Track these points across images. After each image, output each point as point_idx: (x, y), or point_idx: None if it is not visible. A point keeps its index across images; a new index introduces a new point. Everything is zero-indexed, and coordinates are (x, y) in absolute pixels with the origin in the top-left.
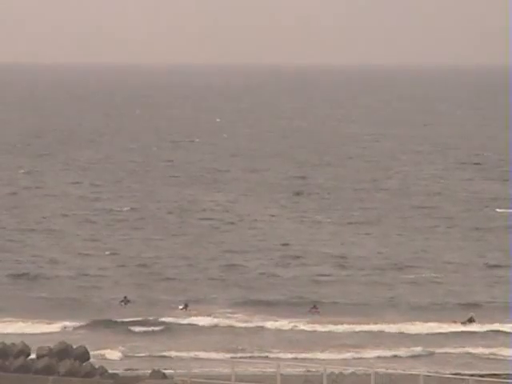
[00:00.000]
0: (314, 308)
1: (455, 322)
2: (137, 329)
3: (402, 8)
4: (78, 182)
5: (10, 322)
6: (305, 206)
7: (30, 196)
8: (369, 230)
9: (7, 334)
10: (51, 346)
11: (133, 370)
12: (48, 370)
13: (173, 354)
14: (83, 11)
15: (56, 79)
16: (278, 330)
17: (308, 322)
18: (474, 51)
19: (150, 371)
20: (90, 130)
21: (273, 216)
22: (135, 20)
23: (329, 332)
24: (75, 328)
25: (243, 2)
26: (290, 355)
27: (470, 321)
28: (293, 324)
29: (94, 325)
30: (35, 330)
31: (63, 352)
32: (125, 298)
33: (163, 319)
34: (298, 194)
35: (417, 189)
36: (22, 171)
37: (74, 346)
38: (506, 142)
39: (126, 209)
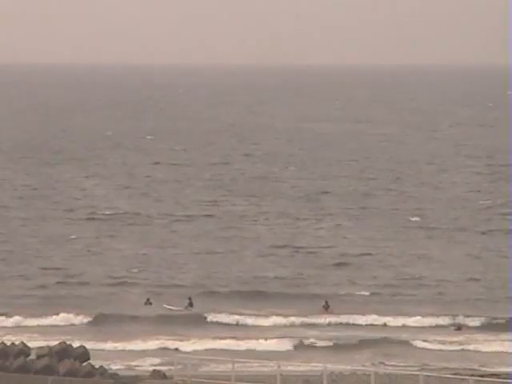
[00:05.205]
0: (325, 305)
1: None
2: None
3: (402, 8)
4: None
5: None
6: None
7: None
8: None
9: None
10: (51, 345)
11: (133, 369)
12: (48, 370)
13: None
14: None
15: (58, 80)
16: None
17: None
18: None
19: (150, 371)
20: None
21: None
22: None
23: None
24: None
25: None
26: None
27: (458, 328)
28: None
29: None
30: None
31: (63, 352)
32: (148, 299)
33: None
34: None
35: None
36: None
37: (74, 346)
38: None
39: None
